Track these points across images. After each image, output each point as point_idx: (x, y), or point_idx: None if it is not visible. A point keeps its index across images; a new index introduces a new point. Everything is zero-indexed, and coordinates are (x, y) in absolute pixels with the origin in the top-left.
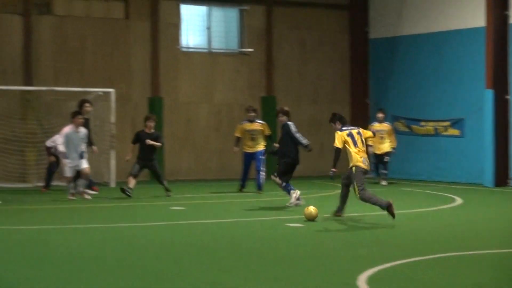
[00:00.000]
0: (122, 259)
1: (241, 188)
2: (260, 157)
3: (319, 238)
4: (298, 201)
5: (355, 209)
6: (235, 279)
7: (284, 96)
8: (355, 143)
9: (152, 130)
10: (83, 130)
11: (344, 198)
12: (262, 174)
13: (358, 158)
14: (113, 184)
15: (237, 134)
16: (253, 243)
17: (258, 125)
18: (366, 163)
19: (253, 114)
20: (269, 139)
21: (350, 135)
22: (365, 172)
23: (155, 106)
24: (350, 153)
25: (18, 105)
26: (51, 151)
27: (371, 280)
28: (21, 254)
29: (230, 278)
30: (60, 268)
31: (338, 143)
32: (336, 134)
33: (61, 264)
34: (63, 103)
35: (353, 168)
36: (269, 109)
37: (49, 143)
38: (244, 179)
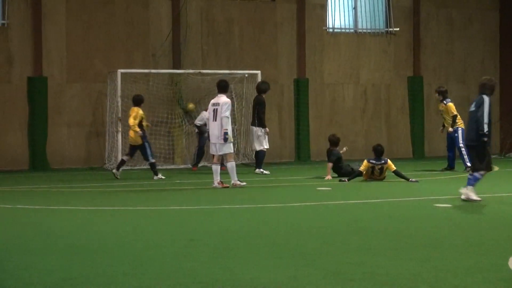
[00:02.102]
0: (270, 239)
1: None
2: (456, 135)
3: (469, 219)
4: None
5: (505, 189)
6: (382, 260)
7: (431, 76)
8: None
9: None
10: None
11: None
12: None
13: None
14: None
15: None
16: (401, 223)
17: (443, 105)
18: None
19: (437, 95)
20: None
21: None
22: None
23: (300, 87)
24: None
25: (167, 87)
26: (202, 129)
27: None
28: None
29: (377, 258)
30: (214, 245)
31: None
32: None
33: (216, 242)
34: (210, 85)
35: None
36: (416, 89)
37: (197, 122)
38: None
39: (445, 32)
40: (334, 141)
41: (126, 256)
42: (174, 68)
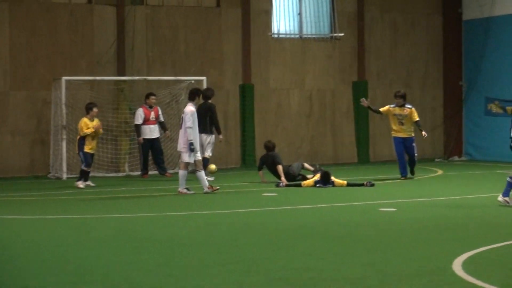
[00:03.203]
0: (215, 245)
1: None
2: (414, 144)
3: (413, 222)
4: None
5: (448, 192)
6: (328, 265)
7: (376, 81)
8: None
9: None
10: None
11: None
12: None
13: None
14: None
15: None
16: (346, 228)
17: (407, 110)
18: None
19: (399, 100)
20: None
21: None
22: None
23: (246, 93)
24: None
25: (112, 95)
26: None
27: (466, 264)
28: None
29: (322, 263)
30: (159, 253)
31: None
32: None
33: (161, 249)
34: (155, 92)
35: None
36: (360, 94)
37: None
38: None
39: (389, 37)
40: (270, 147)
41: (70, 266)
42: (119, 75)
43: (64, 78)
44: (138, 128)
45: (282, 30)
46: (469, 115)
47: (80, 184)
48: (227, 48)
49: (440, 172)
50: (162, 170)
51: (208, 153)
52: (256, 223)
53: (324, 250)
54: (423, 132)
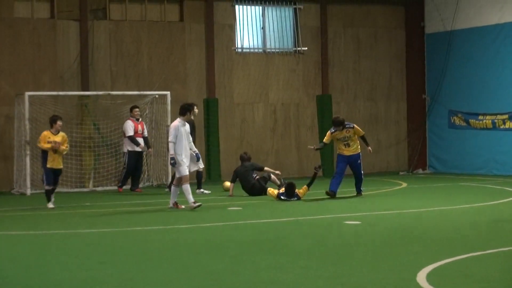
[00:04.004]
0: (179, 260)
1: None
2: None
3: (378, 235)
4: None
5: (413, 204)
6: (293, 278)
7: (340, 94)
8: None
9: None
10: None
11: None
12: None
13: None
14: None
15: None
16: (311, 241)
17: (349, 130)
18: None
19: (340, 127)
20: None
21: None
22: None
23: (210, 107)
24: None
25: (76, 110)
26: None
27: (430, 276)
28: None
29: (287, 277)
30: (124, 269)
31: None
32: None
33: (126, 265)
34: (119, 107)
35: None
36: (325, 108)
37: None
38: None
39: (352, 51)
40: (245, 158)
41: (34, 282)
42: (83, 90)
43: (27, 93)
44: (133, 139)
45: (245, 45)
46: (432, 128)
47: (50, 204)
48: (191, 63)
49: (404, 185)
50: (136, 185)
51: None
52: (222, 237)
53: (289, 264)
54: (369, 148)
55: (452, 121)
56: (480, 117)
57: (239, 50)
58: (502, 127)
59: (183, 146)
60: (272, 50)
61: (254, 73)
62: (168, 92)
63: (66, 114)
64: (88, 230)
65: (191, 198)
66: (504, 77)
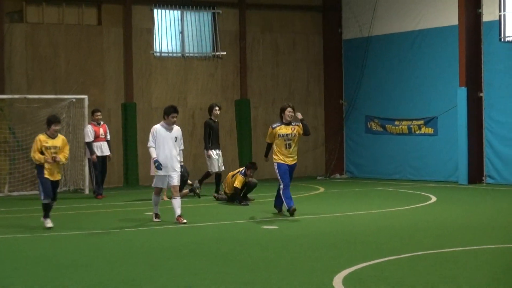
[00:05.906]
0: (95, 265)
1: None
2: None
3: (294, 239)
4: None
5: (330, 209)
6: (209, 284)
7: (258, 99)
8: None
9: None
10: None
11: None
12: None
13: None
14: (86, 191)
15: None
16: (228, 246)
17: (296, 127)
18: None
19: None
20: None
21: None
22: None
23: (128, 112)
24: None
25: None
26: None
27: (346, 280)
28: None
29: (203, 282)
30: (37, 275)
31: None
32: None
33: (39, 271)
34: (36, 110)
35: None
36: (243, 112)
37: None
38: None
39: (270, 56)
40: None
41: None
42: None
43: None
44: (89, 145)
45: (164, 49)
46: (349, 133)
47: (48, 223)
48: (109, 67)
49: (321, 189)
50: (99, 190)
51: (214, 169)
52: (138, 242)
53: (206, 269)
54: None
55: (369, 126)
56: (397, 123)
57: (158, 54)
58: (418, 132)
59: (164, 151)
60: (191, 55)
61: (172, 77)
62: (86, 96)
63: None
64: (4, 235)
65: (179, 212)
66: (420, 83)
